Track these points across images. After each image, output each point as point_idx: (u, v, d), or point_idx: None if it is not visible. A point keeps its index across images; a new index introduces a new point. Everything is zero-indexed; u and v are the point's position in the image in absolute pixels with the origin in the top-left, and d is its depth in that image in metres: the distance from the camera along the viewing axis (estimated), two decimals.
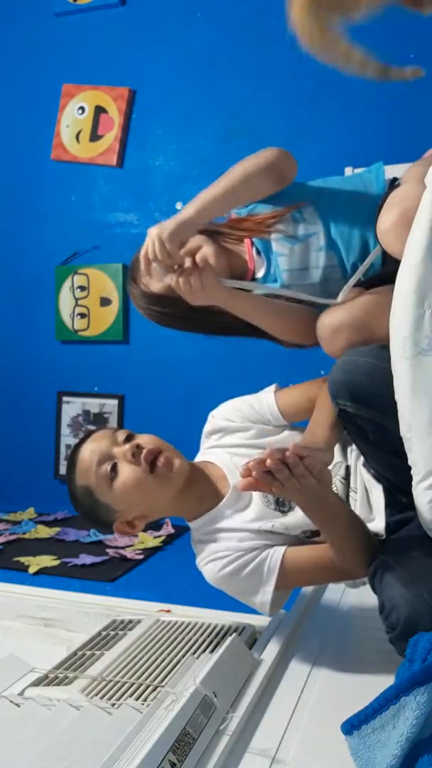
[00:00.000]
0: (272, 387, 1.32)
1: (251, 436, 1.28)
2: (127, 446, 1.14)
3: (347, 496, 1.19)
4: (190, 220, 1.15)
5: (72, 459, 1.21)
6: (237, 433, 1.29)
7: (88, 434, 1.23)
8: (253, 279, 1.31)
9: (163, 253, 1.12)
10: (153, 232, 1.12)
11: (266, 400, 1.28)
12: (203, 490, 1.22)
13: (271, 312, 1.26)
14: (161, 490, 1.16)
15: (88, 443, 1.19)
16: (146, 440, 1.17)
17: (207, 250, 1.23)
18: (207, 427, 1.34)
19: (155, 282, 1.26)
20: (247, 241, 1.29)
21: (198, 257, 1.22)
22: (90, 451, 1.17)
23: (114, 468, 1.14)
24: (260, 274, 1.30)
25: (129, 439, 1.17)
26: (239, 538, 1.17)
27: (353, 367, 1.04)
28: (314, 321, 1.16)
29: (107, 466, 1.14)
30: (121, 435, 1.18)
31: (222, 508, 1.20)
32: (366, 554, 1.08)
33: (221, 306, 1.23)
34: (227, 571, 1.14)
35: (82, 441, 1.21)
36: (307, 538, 1.17)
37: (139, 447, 1.14)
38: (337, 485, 1.18)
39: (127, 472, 1.14)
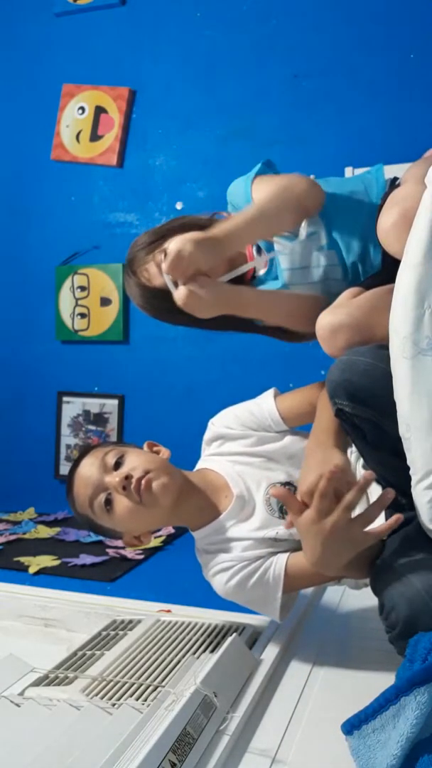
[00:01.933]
0: (271, 391, 1.31)
1: (252, 444, 1.27)
2: (118, 479, 1.14)
3: None
4: (218, 241, 1.14)
5: (69, 485, 1.22)
6: (238, 440, 1.28)
7: (82, 455, 1.23)
8: (254, 277, 1.31)
9: (180, 272, 1.13)
10: (184, 248, 1.11)
11: (266, 405, 1.28)
12: (202, 500, 1.22)
13: (277, 301, 1.26)
14: (154, 514, 1.17)
15: (81, 468, 1.20)
16: (135, 464, 1.16)
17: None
18: (207, 435, 1.33)
19: (158, 276, 1.25)
20: None
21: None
22: (84, 482, 1.18)
23: (109, 500, 1.15)
24: (261, 272, 1.30)
25: (119, 462, 1.17)
26: (243, 548, 1.16)
27: (351, 366, 1.04)
28: (319, 306, 1.16)
29: (102, 498, 1.16)
30: (111, 458, 1.18)
31: (226, 517, 1.20)
32: (370, 565, 1.09)
33: (231, 309, 1.23)
34: (234, 583, 1.14)
35: (76, 464, 1.22)
36: None
37: (128, 477, 1.14)
38: None
39: (121, 504, 1.15)
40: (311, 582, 1.21)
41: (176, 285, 1.16)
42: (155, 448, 1.28)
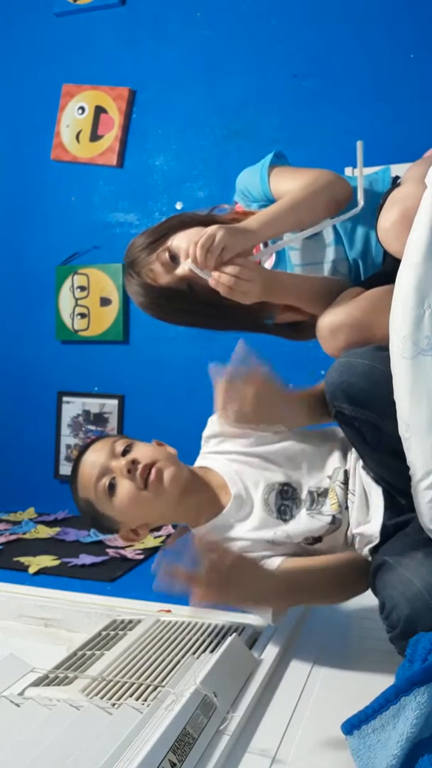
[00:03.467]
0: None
1: (251, 444, 1.27)
2: (124, 462, 1.15)
3: (345, 499, 1.18)
4: (249, 230, 1.14)
5: (74, 470, 1.23)
6: (237, 439, 1.28)
7: (90, 443, 1.23)
8: None
9: (214, 258, 1.11)
10: (217, 234, 1.11)
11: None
12: (203, 497, 1.22)
13: (311, 282, 1.26)
14: (157, 503, 1.17)
15: (89, 454, 1.21)
16: (142, 453, 1.18)
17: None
18: (207, 432, 1.33)
19: (164, 275, 1.25)
20: None
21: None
22: (90, 465, 1.19)
23: (112, 484, 1.16)
24: (266, 265, 1.29)
25: (127, 450, 1.18)
26: (238, 549, 1.16)
27: (349, 368, 1.04)
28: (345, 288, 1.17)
29: (105, 481, 1.16)
30: (120, 446, 1.19)
31: (224, 517, 1.20)
32: (353, 588, 1.11)
33: (274, 291, 1.20)
34: None
35: (84, 450, 1.23)
36: (309, 545, 1.17)
37: (134, 462, 1.15)
38: (336, 491, 1.18)
39: (124, 488, 1.15)
40: None
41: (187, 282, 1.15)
42: (161, 447, 1.28)
